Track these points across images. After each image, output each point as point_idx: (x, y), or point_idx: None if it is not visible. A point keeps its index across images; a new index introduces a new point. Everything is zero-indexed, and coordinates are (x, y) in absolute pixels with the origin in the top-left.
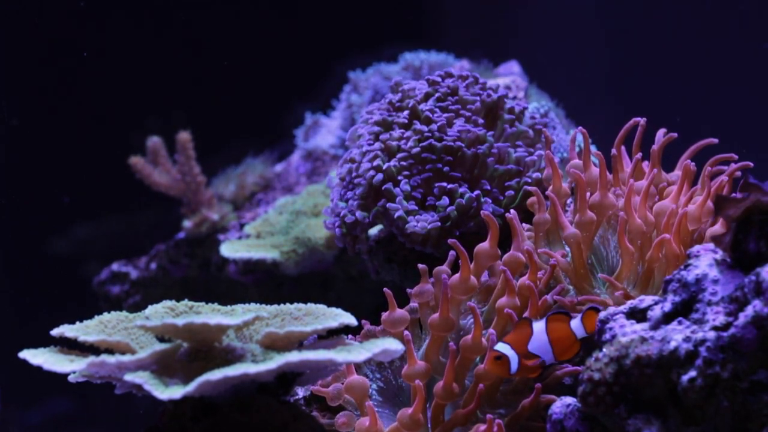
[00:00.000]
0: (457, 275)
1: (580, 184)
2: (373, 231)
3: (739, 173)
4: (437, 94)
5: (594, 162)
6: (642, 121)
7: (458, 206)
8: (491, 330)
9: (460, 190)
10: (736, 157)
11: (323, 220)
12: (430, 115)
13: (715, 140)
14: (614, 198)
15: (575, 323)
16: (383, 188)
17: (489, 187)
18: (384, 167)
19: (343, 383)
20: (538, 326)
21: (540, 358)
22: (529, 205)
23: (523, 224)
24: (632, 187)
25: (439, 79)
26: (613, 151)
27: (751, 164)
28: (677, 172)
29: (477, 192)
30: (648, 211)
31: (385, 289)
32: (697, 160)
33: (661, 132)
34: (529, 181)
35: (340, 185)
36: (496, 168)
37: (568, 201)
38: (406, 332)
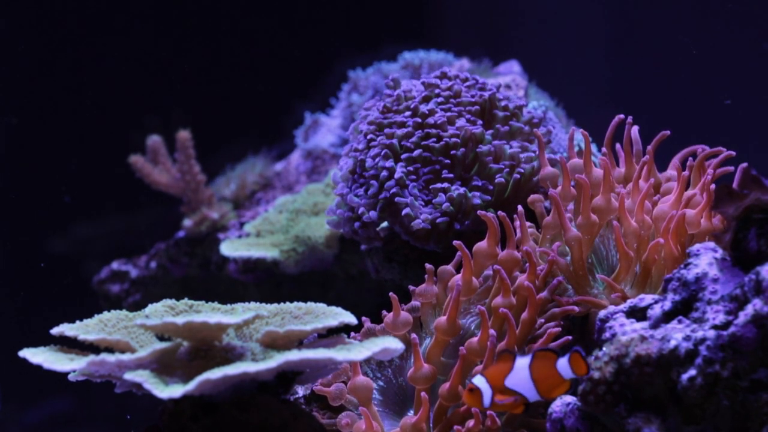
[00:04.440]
0: (458, 276)
1: (584, 188)
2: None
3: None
4: (439, 98)
5: (594, 162)
6: (629, 119)
7: (449, 199)
8: (490, 330)
9: (452, 188)
10: (723, 150)
11: (327, 219)
12: (430, 118)
13: (705, 147)
14: (616, 200)
15: (562, 363)
16: (393, 191)
17: (480, 183)
18: (397, 175)
19: (344, 382)
20: (522, 362)
21: (518, 394)
22: (530, 203)
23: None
24: (629, 192)
25: (437, 81)
26: (604, 150)
27: (734, 153)
28: (670, 172)
29: (464, 188)
30: (645, 214)
31: (391, 294)
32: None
33: (634, 130)
34: (522, 171)
35: (349, 180)
36: (491, 167)
37: None
38: (413, 335)
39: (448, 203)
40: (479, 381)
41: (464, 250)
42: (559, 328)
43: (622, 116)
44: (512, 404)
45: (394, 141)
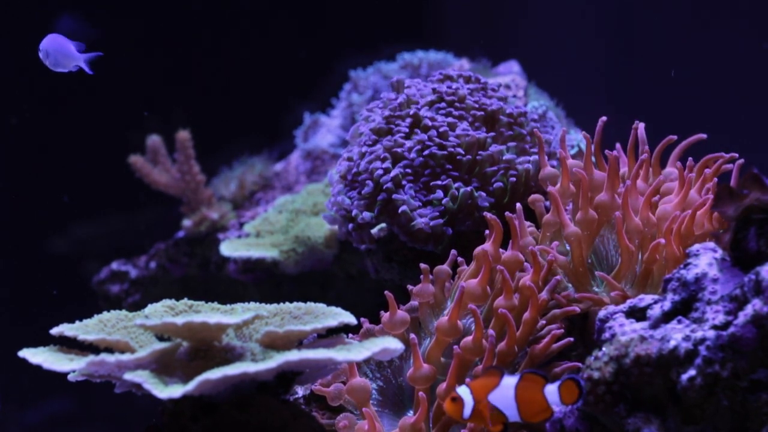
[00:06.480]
0: (474, 281)
1: (583, 183)
2: (373, 230)
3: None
4: (442, 103)
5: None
6: (636, 123)
7: (452, 197)
8: (490, 330)
9: (455, 185)
10: (725, 155)
11: (323, 215)
12: (430, 123)
13: (704, 136)
14: (620, 198)
15: (550, 389)
16: (386, 187)
17: (478, 185)
18: (391, 174)
19: (343, 383)
20: (509, 381)
21: (499, 412)
22: (530, 203)
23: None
24: (629, 189)
25: (444, 87)
26: (613, 152)
27: (737, 155)
28: (670, 169)
29: (471, 186)
30: (650, 213)
31: (386, 292)
32: (696, 158)
33: (641, 126)
34: (515, 173)
35: (341, 182)
36: (490, 170)
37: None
38: (413, 335)
39: (448, 199)
40: (463, 391)
41: (487, 261)
42: (562, 330)
43: (605, 118)
44: (492, 419)
45: (393, 147)
